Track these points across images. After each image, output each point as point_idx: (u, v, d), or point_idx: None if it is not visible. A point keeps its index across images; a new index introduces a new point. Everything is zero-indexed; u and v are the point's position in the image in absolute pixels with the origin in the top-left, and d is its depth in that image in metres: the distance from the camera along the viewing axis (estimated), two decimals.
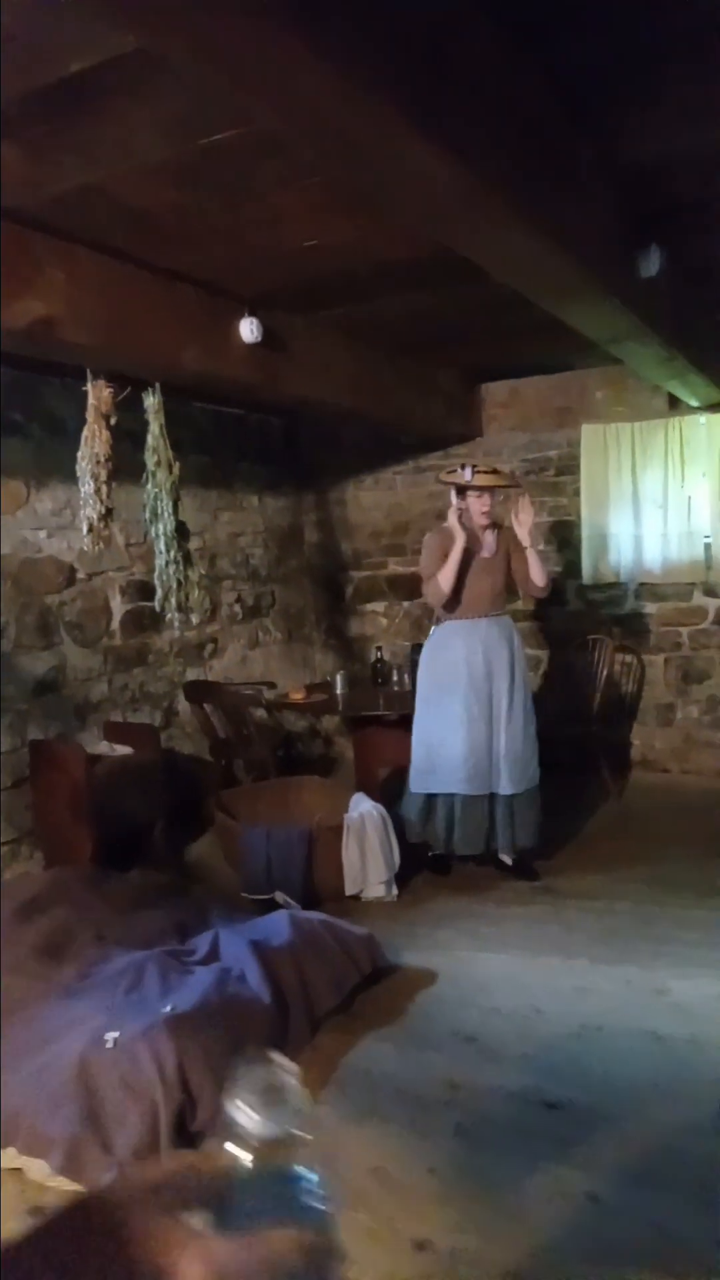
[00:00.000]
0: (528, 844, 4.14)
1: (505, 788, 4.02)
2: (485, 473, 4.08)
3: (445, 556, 4.02)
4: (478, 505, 4.07)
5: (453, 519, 4.06)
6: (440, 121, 1.80)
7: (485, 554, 4.13)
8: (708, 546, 5.55)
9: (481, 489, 4.05)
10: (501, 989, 3.23)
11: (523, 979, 3.29)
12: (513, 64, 2.12)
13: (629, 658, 5.78)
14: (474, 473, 4.05)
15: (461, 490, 4.10)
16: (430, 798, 4.13)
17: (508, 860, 4.22)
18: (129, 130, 2.35)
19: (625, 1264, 2.00)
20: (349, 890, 4.02)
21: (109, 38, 1.91)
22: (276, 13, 1.36)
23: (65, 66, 2.03)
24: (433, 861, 4.28)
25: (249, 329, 3.82)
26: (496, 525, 4.19)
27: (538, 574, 4.08)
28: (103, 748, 4.65)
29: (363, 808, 4.18)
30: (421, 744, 4.17)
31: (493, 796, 4.05)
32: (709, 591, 5.64)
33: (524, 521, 4.04)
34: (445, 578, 4.00)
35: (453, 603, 4.06)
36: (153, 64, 1.98)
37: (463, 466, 4.10)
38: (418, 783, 4.16)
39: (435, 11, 1.76)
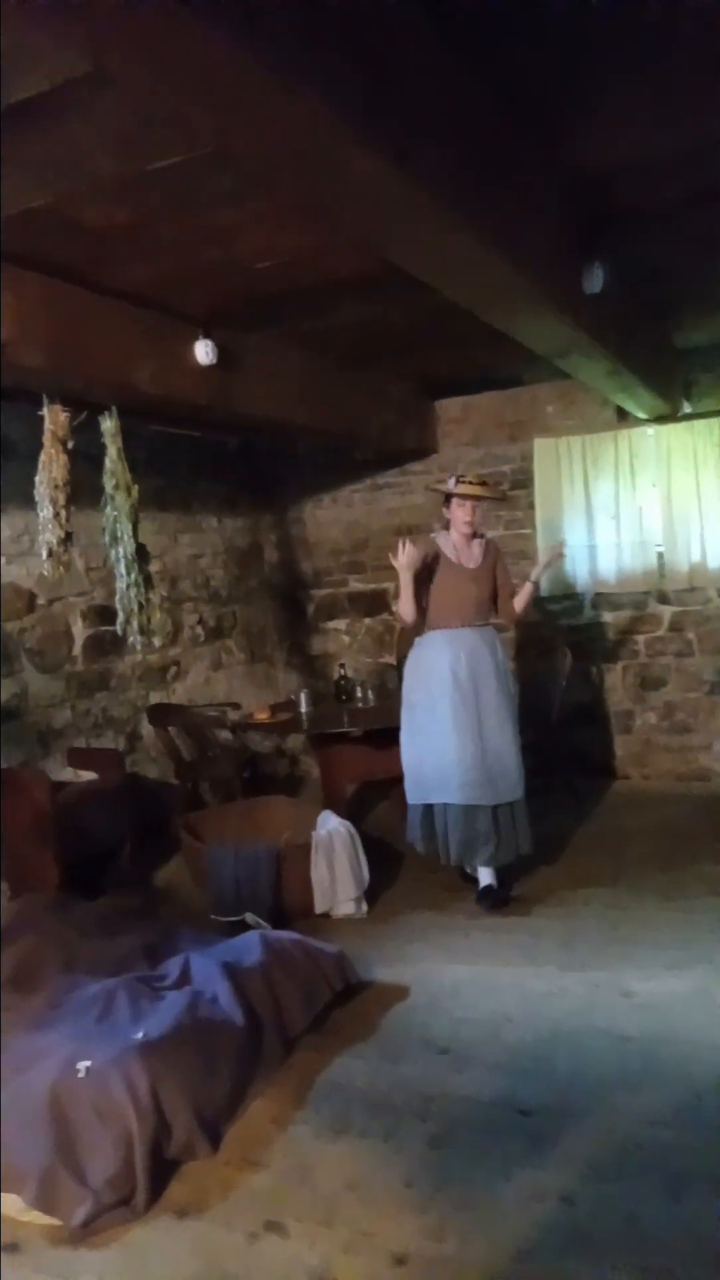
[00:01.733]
0: (527, 851, 4.08)
1: (500, 797, 3.95)
2: (472, 483, 4.11)
3: (421, 571, 3.99)
4: (460, 514, 4.07)
5: (409, 552, 3.88)
6: (382, 128, 1.82)
7: (470, 565, 4.11)
8: (660, 555, 5.67)
9: (465, 497, 4.05)
10: (472, 999, 3.25)
11: (492, 988, 3.32)
12: (456, 71, 2.15)
13: (587, 666, 5.86)
14: (458, 483, 4.08)
15: (448, 500, 4.12)
16: (429, 809, 4.05)
17: (490, 881, 4.09)
18: (76, 150, 2.37)
19: (602, 1260, 2.03)
20: (319, 908, 4.03)
21: (58, 60, 1.92)
22: (217, 19, 1.38)
23: (18, 91, 2.05)
24: (484, 894, 4.04)
25: (204, 351, 3.85)
26: (482, 536, 4.21)
27: (523, 605, 4.20)
28: (67, 774, 4.62)
29: (330, 825, 4.18)
30: (412, 755, 4.10)
31: (497, 808, 3.96)
32: (663, 599, 5.75)
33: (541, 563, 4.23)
34: (404, 609, 4.00)
35: (436, 613, 4.05)
36: (100, 83, 2.00)
37: (450, 477, 4.15)
38: (414, 794, 4.09)
39: (379, 18, 1.79)
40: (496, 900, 4.06)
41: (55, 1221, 2.29)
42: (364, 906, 4.08)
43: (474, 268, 2.67)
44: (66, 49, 1.72)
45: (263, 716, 5.43)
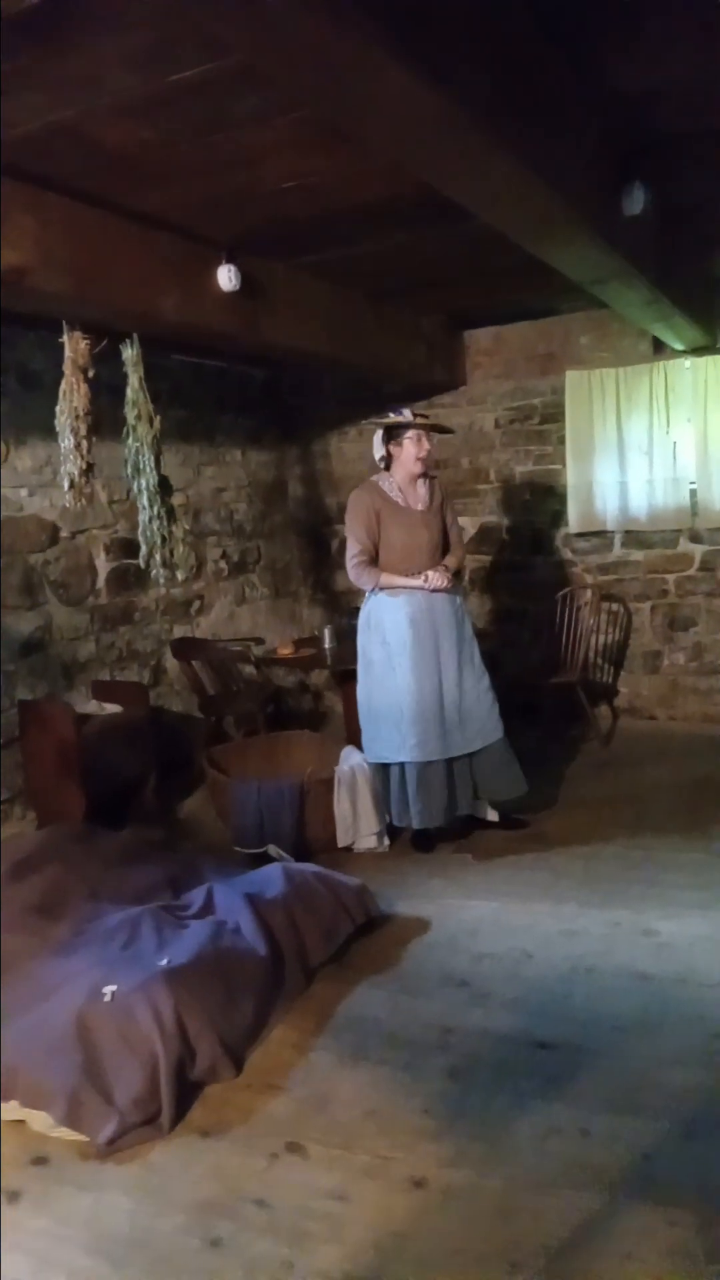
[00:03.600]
0: (512, 794, 4.01)
1: (467, 746, 3.88)
2: (424, 416, 3.95)
3: (374, 522, 3.89)
4: (413, 450, 3.86)
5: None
6: (420, 46, 1.73)
7: (419, 507, 3.94)
8: (693, 493, 5.53)
9: (424, 429, 3.86)
10: (492, 935, 3.28)
11: (512, 924, 3.35)
12: None
13: (615, 605, 5.79)
14: (412, 416, 3.91)
15: (391, 436, 3.90)
16: (385, 766, 4.00)
17: (493, 817, 4.15)
18: (98, 65, 2.27)
19: (616, 1194, 2.06)
20: (341, 842, 4.06)
21: None
22: None
23: None
24: (416, 838, 4.08)
25: (227, 276, 3.73)
26: (428, 476, 4.02)
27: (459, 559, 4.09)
28: (91, 707, 4.65)
29: (353, 760, 4.20)
30: (369, 711, 4.02)
31: (455, 760, 3.90)
32: (695, 538, 5.64)
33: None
34: (372, 581, 3.90)
35: (390, 562, 3.91)
36: None
37: (395, 411, 3.93)
38: (370, 752, 4.02)
39: None
40: (508, 824, 4.13)
41: (82, 1138, 2.36)
42: (385, 841, 4.11)
43: (511, 191, 2.55)
44: None
45: (286, 652, 5.43)
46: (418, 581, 3.86)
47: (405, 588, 3.88)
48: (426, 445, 3.90)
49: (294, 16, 1.52)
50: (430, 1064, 2.58)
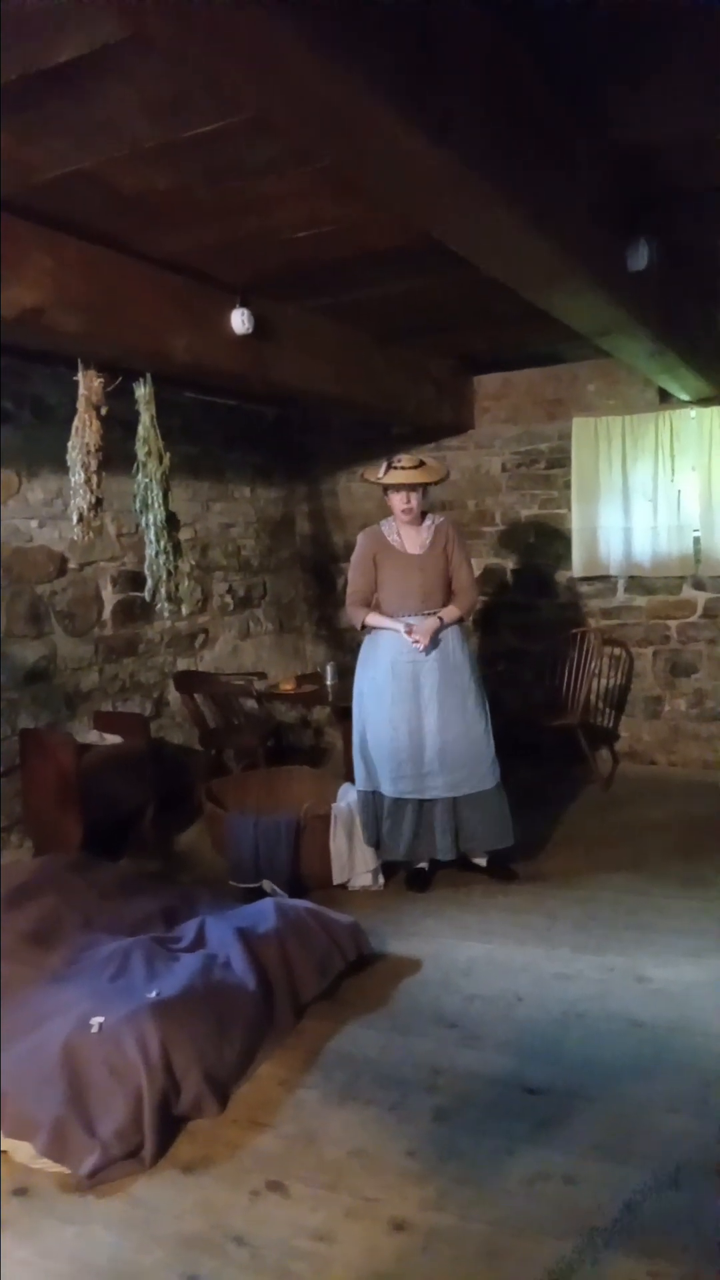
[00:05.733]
0: (495, 846, 3.98)
1: (449, 790, 3.88)
2: (405, 467, 3.93)
3: (372, 565, 4.00)
4: (396, 502, 3.95)
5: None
6: (424, 99, 1.77)
7: (415, 550, 4.00)
8: (697, 540, 5.58)
9: (398, 486, 3.91)
10: (484, 976, 3.26)
11: (505, 967, 3.33)
12: (500, 41, 2.09)
13: (617, 650, 5.81)
14: (388, 469, 3.93)
15: (386, 487, 3.99)
16: (371, 796, 4.04)
17: (482, 863, 4.12)
18: (118, 115, 2.36)
19: (601, 1242, 2.04)
20: (336, 879, 4.05)
21: (98, 23, 1.90)
22: None
23: (56, 54, 2.04)
24: (411, 877, 4.11)
25: (240, 320, 3.82)
26: (431, 520, 4.06)
27: (464, 606, 4.05)
28: (93, 737, 4.67)
29: (351, 798, 4.20)
30: (359, 741, 4.10)
31: (433, 802, 3.91)
32: (697, 585, 5.67)
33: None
34: (360, 619, 4.04)
35: (384, 604, 4.00)
36: (140, 48, 1.98)
37: (383, 464, 3.97)
38: (359, 780, 4.11)
39: None
40: (497, 874, 4.09)
41: (65, 1170, 2.34)
42: (381, 879, 4.10)
43: (514, 244, 2.60)
44: (105, 14, 1.71)
45: (288, 687, 5.45)
46: (397, 624, 3.91)
47: (387, 628, 3.96)
48: (410, 500, 3.94)
49: (302, 73, 1.57)
50: (419, 1105, 2.56)
